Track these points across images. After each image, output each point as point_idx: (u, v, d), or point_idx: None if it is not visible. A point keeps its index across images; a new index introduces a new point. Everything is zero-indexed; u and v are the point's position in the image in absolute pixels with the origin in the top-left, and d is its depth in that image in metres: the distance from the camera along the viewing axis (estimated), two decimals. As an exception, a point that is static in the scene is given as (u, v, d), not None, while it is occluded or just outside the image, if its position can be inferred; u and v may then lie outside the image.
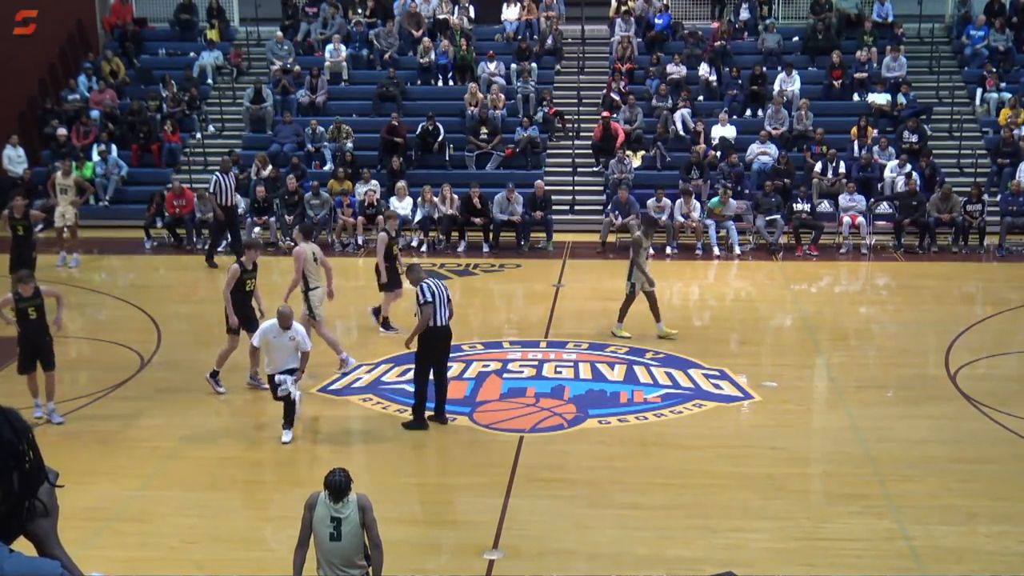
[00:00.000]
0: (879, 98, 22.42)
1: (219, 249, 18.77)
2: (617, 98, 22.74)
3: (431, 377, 11.14)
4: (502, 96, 22.65)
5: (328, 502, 6.67)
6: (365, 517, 6.66)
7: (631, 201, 19.62)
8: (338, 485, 6.68)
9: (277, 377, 10.78)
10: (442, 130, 22.07)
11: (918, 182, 19.94)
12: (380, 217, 16.53)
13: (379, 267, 14.14)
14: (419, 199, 20.05)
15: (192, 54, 25.04)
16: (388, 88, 23.34)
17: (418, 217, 19.99)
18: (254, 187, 20.08)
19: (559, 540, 8.82)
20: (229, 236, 18.60)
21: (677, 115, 22.21)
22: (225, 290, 12.41)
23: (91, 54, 24.98)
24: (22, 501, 2.35)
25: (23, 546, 2.42)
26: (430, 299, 10.84)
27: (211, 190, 18.41)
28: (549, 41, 24.62)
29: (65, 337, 14.64)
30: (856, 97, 23.03)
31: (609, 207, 19.98)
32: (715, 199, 19.69)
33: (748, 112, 22.94)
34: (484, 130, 22.01)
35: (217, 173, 18.46)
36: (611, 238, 19.69)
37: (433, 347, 11.04)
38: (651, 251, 14.31)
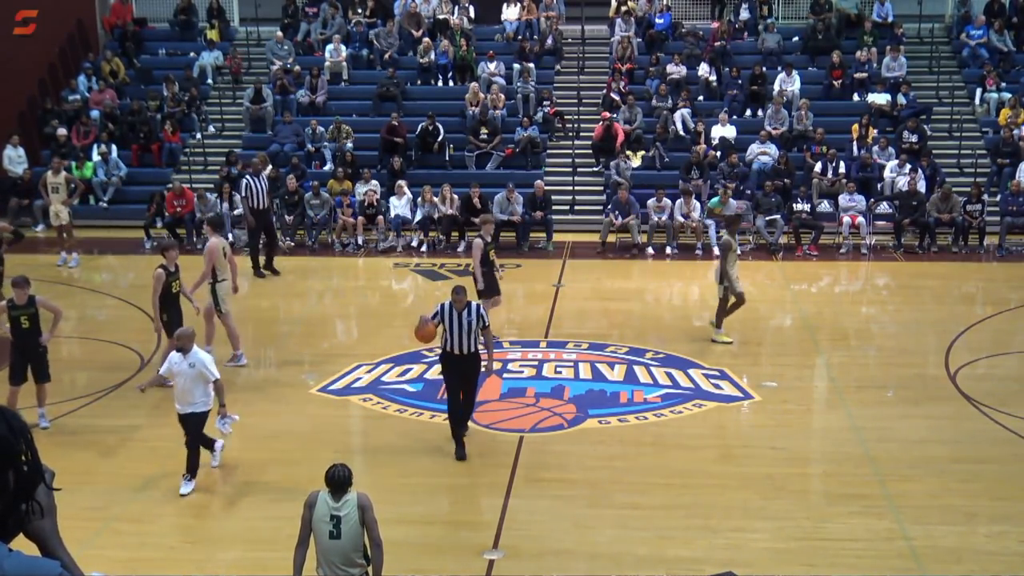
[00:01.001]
0: (879, 98, 22.42)
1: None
2: (617, 98, 22.74)
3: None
4: (502, 96, 22.65)
5: (328, 499, 6.67)
6: (365, 516, 6.66)
7: (631, 201, 19.62)
8: (339, 478, 6.69)
9: (217, 443, 10.23)
10: (442, 130, 22.08)
11: (923, 182, 19.94)
12: (477, 220, 16.06)
13: (476, 273, 13.68)
14: (419, 199, 20.05)
15: (192, 54, 25.05)
16: (388, 88, 23.34)
17: (418, 217, 19.99)
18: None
19: (559, 540, 8.82)
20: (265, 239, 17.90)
21: (677, 115, 22.21)
22: (153, 296, 12.22)
23: (91, 54, 24.99)
24: (19, 501, 2.34)
25: (27, 546, 2.42)
26: (436, 319, 10.39)
27: (243, 194, 17.82)
28: (549, 41, 24.62)
29: (66, 337, 14.67)
30: (856, 97, 23.03)
31: (609, 207, 19.98)
32: (715, 199, 19.69)
33: (748, 112, 22.94)
34: (484, 130, 22.01)
35: (248, 176, 17.84)
36: (611, 238, 19.69)
37: (448, 372, 10.61)
38: (739, 251, 13.96)
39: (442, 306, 10.38)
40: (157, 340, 13.67)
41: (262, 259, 17.82)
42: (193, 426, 9.75)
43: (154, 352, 13.92)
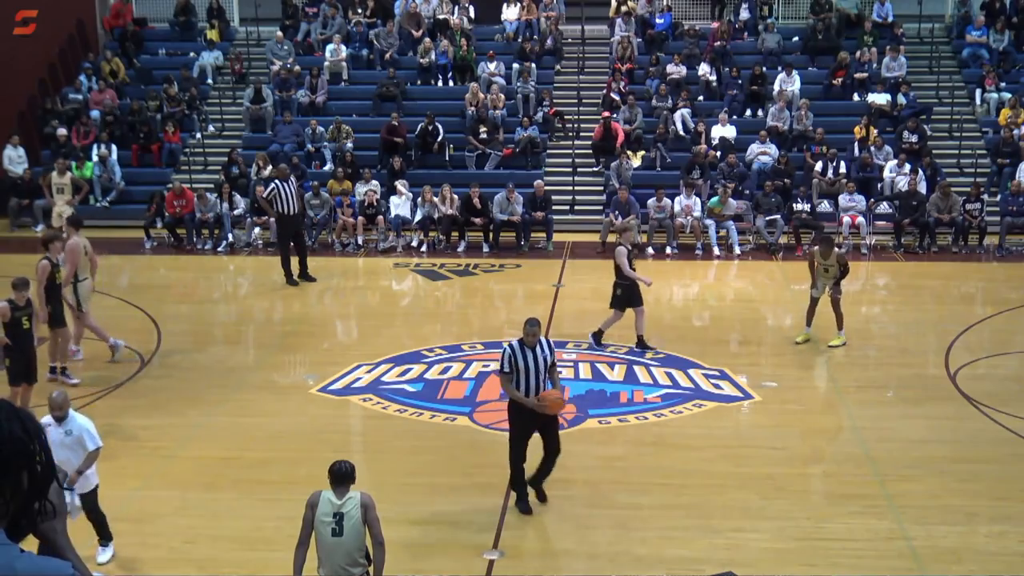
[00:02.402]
0: (879, 98, 22.42)
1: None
2: (617, 98, 22.74)
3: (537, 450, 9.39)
4: (502, 96, 22.65)
5: (331, 497, 6.68)
6: (367, 515, 6.66)
7: (631, 201, 19.63)
8: (342, 472, 6.71)
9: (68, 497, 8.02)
10: (442, 130, 22.08)
11: (923, 181, 19.94)
12: (620, 224, 15.68)
13: (629, 275, 13.46)
14: (419, 199, 20.05)
15: (192, 54, 25.05)
16: (388, 88, 23.34)
17: (418, 217, 19.99)
18: (254, 187, 20.06)
19: (559, 540, 8.82)
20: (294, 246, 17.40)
21: (677, 115, 22.22)
22: (39, 287, 12.14)
23: (91, 54, 24.99)
24: (32, 501, 2.35)
25: (34, 545, 2.42)
26: (507, 370, 9.02)
27: (265, 196, 17.42)
28: (549, 41, 24.62)
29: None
30: (856, 97, 23.04)
31: (610, 207, 19.97)
32: (715, 199, 19.70)
33: (748, 112, 22.94)
34: (483, 128, 22.00)
35: (276, 181, 17.26)
36: (611, 238, 19.67)
37: (517, 418, 9.22)
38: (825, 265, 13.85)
39: (510, 346, 9.07)
40: (157, 340, 13.68)
41: (295, 268, 17.28)
42: (89, 504, 8.35)
43: (154, 352, 13.94)
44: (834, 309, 13.89)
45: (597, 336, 13.80)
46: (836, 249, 14.20)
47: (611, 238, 19.58)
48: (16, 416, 2.33)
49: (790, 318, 15.50)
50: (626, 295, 13.55)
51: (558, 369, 9.42)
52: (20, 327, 10.91)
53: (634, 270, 13.59)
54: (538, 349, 8.97)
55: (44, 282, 12.16)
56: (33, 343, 11.19)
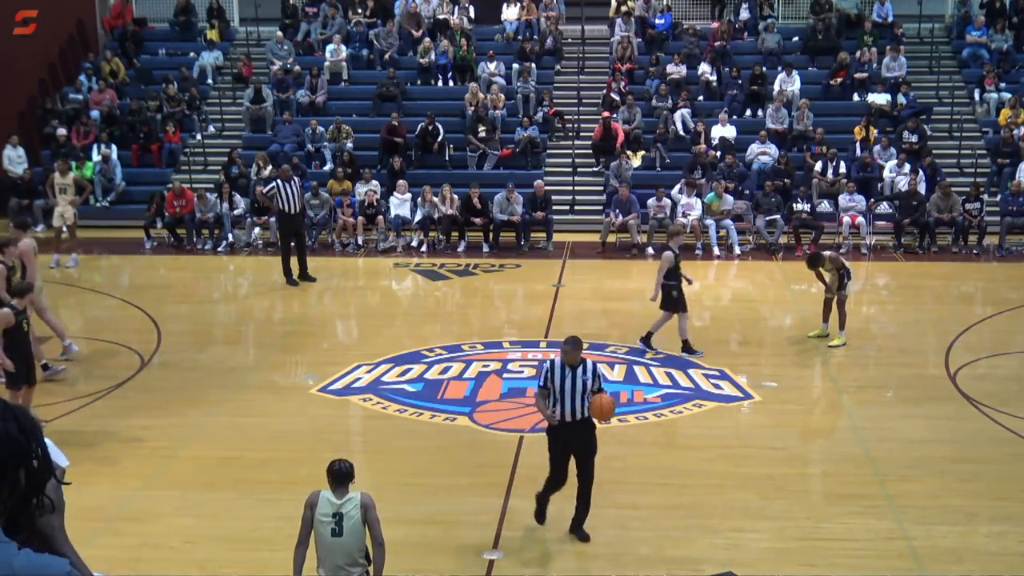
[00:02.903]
0: (879, 98, 22.42)
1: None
2: (617, 98, 22.74)
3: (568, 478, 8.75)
4: (502, 96, 22.66)
5: (331, 496, 6.67)
6: (367, 515, 6.65)
7: (632, 200, 19.65)
8: (341, 471, 6.70)
9: None
10: (442, 130, 22.08)
11: (923, 182, 19.94)
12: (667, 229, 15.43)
13: (656, 283, 13.46)
14: (419, 199, 20.05)
15: (192, 54, 25.05)
16: (388, 88, 23.35)
17: (418, 217, 19.99)
18: (254, 187, 20.07)
19: (559, 540, 8.81)
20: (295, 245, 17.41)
21: (677, 115, 22.22)
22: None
23: (91, 54, 24.99)
24: (29, 498, 2.36)
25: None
26: (544, 385, 8.53)
27: (266, 192, 17.43)
28: (549, 41, 24.62)
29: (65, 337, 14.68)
30: (856, 97, 23.04)
31: (611, 206, 19.97)
32: (711, 195, 19.70)
33: (748, 112, 22.95)
34: (482, 128, 21.99)
35: (277, 181, 17.22)
36: (611, 238, 19.68)
37: (555, 443, 8.67)
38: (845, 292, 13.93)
39: (550, 363, 8.57)
40: (157, 340, 13.65)
41: (295, 268, 17.27)
42: None
43: (154, 352, 13.94)
44: (838, 309, 13.90)
45: (646, 339, 13.68)
46: (826, 253, 14.23)
47: (611, 238, 19.66)
48: (12, 415, 2.33)
49: (790, 318, 15.51)
50: (680, 297, 13.46)
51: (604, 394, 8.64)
52: (20, 331, 10.91)
53: (678, 275, 13.42)
54: (579, 371, 8.42)
55: (2, 287, 12.03)
56: (31, 346, 11.18)
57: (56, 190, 18.84)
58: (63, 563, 2.30)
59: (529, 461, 10.39)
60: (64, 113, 23.17)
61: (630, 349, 13.74)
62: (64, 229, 18.76)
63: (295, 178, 17.71)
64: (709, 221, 19.42)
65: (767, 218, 19.59)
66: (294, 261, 17.31)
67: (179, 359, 13.74)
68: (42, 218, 20.98)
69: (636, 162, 21.52)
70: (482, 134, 22.01)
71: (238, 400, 12.23)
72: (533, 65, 23.61)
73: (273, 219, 18.14)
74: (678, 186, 19.88)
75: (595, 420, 8.50)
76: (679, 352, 13.50)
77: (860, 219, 19.65)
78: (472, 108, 22.39)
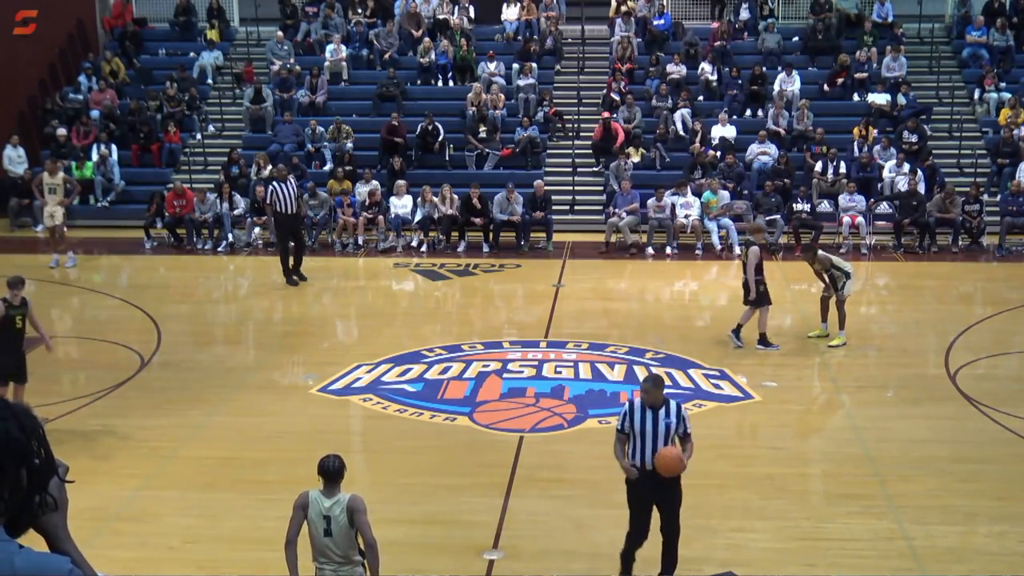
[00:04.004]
0: (879, 98, 22.42)
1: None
2: (617, 98, 22.74)
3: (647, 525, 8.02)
4: (502, 96, 22.65)
5: (320, 498, 6.68)
6: (355, 519, 6.63)
7: (633, 194, 19.69)
8: (331, 469, 6.72)
9: None
10: (442, 130, 22.08)
11: (922, 182, 19.94)
12: (748, 227, 15.70)
13: (748, 281, 13.58)
14: (419, 199, 20.04)
15: (192, 54, 25.05)
16: (388, 88, 23.34)
17: (418, 217, 19.99)
18: (254, 187, 20.07)
19: (559, 540, 8.81)
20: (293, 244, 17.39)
21: (677, 115, 22.22)
22: None
23: (91, 54, 24.98)
24: (32, 496, 2.36)
25: (33, 540, 2.42)
26: (622, 430, 7.84)
27: (268, 200, 17.39)
28: (549, 41, 24.62)
29: (66, 337, 14.69)
30: (856, 97, 23.04)
31: (613, 204, 19.92)
32: (707, 193, 19.69)
33: (748, 112, 22.94)
34: (482, 128, 21.98)
35: (274, 182, 17.31)
36: (612, 238, 19.64)
37: (635, 491, 7.95)
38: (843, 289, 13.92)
39: (628, 404, 7.93)
40: (157, 340, 13.62)
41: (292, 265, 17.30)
42: None
43: (154, 352, 13.94)
44: (837, 309, 13.90)
45: (737, 331, 13.83)
46: (820, 253, 14.24)
47: (614, 238, 19.65)
48: (12, 414, 2.33)
49: (790, 318, 15.50)
50: (766, 291, 13.63)
51: (691, 442, 7.88)
52: (13, 326, 10.86)
53: (762, 270, 13.61)
54: (662, 412, 7.72)
55: None
56: (23, 343, 10.98)
57: (45, 189, 18.75)
58: (64, 561, 2.30)
59: (529, 461, 10.40)
60: (64, 113, 23.17)
61: (630, 349, 13.74)
62: (54, 230, 18.60)
63: (291, 178, 17.69)
64: (710, 223, 19.40)
65: (767, 218, 19.57)
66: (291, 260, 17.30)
67: (179, 359, 13.73)
68: (41, 218, 20.96)
69: (636, 158, 21.50)
70: (482, 134, 22.00)
71: (238, 400, 12.23)
72: (534, 65, 23.59)
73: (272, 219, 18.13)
74: (669, 191, 19.77)
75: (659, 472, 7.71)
76: (755, 345, 13.67)
77: (860, 219, 19.64)
78: (474, 108, 22.39)
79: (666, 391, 8.09)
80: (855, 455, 10.48)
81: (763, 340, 13.73)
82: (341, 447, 11.00)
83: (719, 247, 19.26)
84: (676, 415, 7.77)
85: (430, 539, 8.93)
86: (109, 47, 25.12)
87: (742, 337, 13.73)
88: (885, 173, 20.80)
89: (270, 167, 20.67)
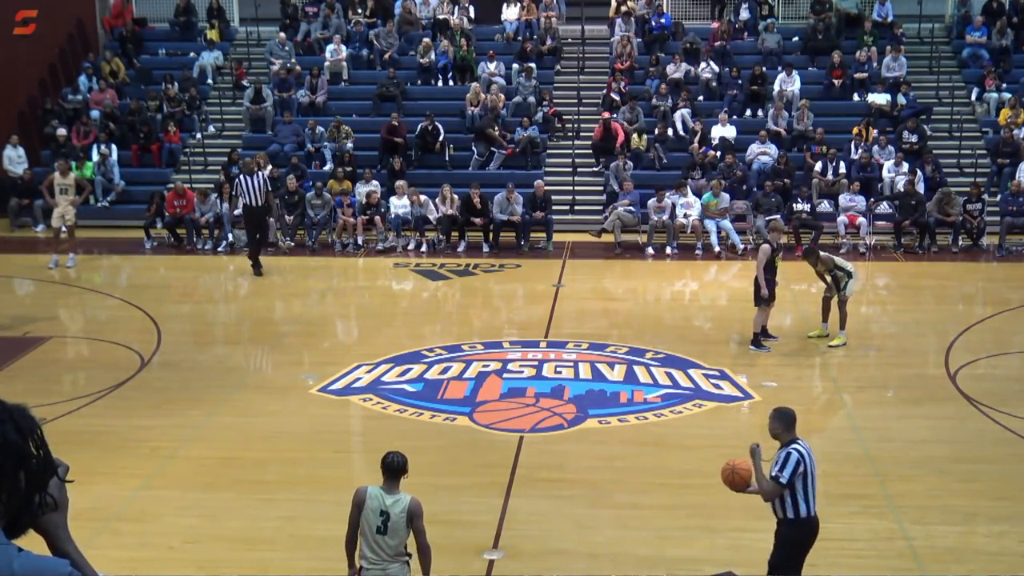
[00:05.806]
0: (879, 98, 22.42)
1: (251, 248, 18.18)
2: (617, 98, 22.74)
3: None
4: (502, 96, 22.66)
5: (381, 493, 6.74)
6: (413, 523, 6.79)
7: (634, 194, 19.72)
8: (394, 465, 6.81)
9: None
10: (442, 130, 22.08)
11: (922, 182, 19.94)
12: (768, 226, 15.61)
13: (758, 280, 13.48)
14: (419, 199, 20.01)
15: (192, 54, 25.05)
16: (388, 88, 23.34)
17: (403, 214, 19.95)
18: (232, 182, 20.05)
19: (559, 540, 8.81)
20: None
21: (677, 115, 22.22)
22: None
23: (91, 54, 24.98)
24: (31, 497, 2.35)
25: (33, 541, 2.41)
26: (788, 476, 7.19)
27: (232, 192, 18.08)
28: (549, 41, 24.62)
29: (66, 337, 14.69)
30: (856, 97, 23.04)
31: (616, 202, 19.91)
32: (708, 194, 19.69)
33: (748, 112, 22.94)
34: (495, 128, 21.95)
35: (241, 176, 17.81)
36: (610, 237, 19.62)
37: (801, 550, 7.26)
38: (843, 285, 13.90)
39: (803, 450, 7.35)
40: (157, 340, 13.60)
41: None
42: None
43: (154, 352, 13.94)
44: (839, 309, 13.91)
45: (763, 333, 13.84)
46: (823, 254, 14.28)
47: (610, 237, 19.65)
48: (9, 416, 2.32)
49: (790, 318, 15.50)
50: (771, 290, 13.59)
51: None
52: None
53: (774, 271, 13.57)
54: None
55: None
56: None
57: (57, 190, 18.80)
58: (63, 565, 2.29)
59: (529, 461, 10.40)
60: (64, 113, 23.16)
61: (630, 349, 13.74)
62: (64, 229, 18.68)
63: (261, 172, 18.18)
64: (710, 223, 19.40)
65: (767, 218, 19.56)
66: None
67: (179, 359, 13.73)
68: (42, 218, 20.99)
69: (642, 145, 21.55)
70: (500, 133, 22.00)
71: (238, 400, 12.23)
72: (533, 65, 23.59)
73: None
74: (669, 192, 19.79)
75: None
76: (749, 345, 13.70)
77: (860, 219, 19.64)
78: (475, 108, 22.38)
79: (666, 391, 8.11)
80: (855, 455, 10.48)
81: (756, 340, 13.72)
82: (341, 447, 11.05)
83: (717, 248, 19.25)
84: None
85: (430, 539, 8.92)
86: (109, 47, 25.11)
87: (758, 339, 13.72)
88: (885, 173, 20.80)
89: (270, 167, 20.70)
